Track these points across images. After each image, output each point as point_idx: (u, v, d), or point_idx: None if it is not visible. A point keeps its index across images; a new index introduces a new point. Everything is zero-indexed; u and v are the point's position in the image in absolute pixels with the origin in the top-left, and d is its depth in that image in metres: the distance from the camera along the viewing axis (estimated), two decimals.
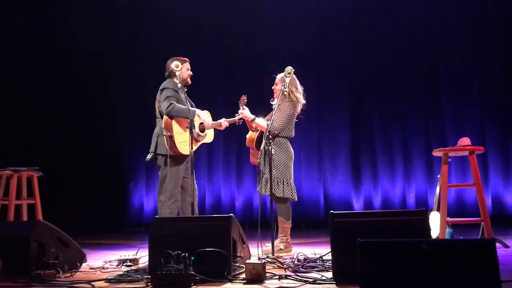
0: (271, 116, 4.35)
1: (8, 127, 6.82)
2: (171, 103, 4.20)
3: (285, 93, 4.19)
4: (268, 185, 4.13)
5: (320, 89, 7.48)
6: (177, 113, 4.19)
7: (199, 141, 4.41)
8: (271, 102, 4.56)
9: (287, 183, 4.29)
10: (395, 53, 7.45)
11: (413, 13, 7.47)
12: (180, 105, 4.23)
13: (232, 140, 7.66)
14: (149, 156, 4.34)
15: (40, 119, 7.10)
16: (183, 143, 4.20)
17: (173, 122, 4.22)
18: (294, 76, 4.34)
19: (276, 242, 4.17)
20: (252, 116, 4.41)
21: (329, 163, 7.49)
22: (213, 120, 4.63)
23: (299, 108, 4.46)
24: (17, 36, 7.01)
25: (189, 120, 4.14)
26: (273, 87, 4.55)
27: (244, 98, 4.45)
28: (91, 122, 7.48)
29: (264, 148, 4.06)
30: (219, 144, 7.68)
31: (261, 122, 4.42)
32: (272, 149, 4.05)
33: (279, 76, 4.49)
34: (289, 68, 4.19)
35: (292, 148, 4.46)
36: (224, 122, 4.62)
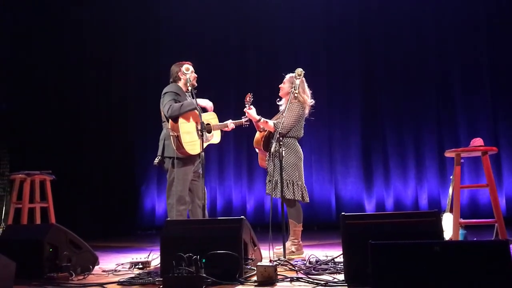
0: (278, 117, 4.33)
1: (22, 131, 6.89)
2: (170, 105, 4.21)
3: (295, 94, 4.18)
4: (279, 187, 4.12)
5: (332, 91, 7.48)
6: (176, 111, 4.16)
7: (205, 141, 4.39)
8: (277, 103, 4.54)
9: (297, 184, 4.23)
10: (407, 55, 7.42)
11: (425, 13, 7.43)
12: (176, 104, 4.19)
13: (243, 142, 7.67)
14: (156, 160, 4.34)
15: (53, 122, 7.17)
16: (190, 143, 4.19)
17: (179, 123, 4.20)
18: (303, 78, 4.32)
19: (288, 244, 4.16)
20: (258, 117, 4.34)
21: (340, 165, 7.46)
22: (219, 121, 4.63)
23: (307, 110, 4.43)
24: (29, 41, 7.09)
25: (199, 122, 4.14)
26: (280, 86, 4.50)
27: (250, 96, 4.36)
28: (103, 125, 7.54)
29: (274, 150, 4.02)
30: (229, 147, 7.71)
31: (268, 122, 4.36)
32: (283, 151, 4.04)
33: (288, 76, 4.46)
34: (299, 70, 4.17)
35: (301, 149, 4.41)
36: (230, 124, 4.57)
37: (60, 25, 7.33)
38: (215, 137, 4.51)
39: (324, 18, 7.70)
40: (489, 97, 7.11)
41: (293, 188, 4.20)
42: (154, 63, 7.71)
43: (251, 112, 4.35)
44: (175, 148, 4.19)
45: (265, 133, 4.44)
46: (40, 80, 7.13)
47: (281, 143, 4.01)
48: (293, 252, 4.20)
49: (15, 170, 5.74)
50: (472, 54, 7.23)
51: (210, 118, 4.49)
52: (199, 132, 4.08)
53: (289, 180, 4.21)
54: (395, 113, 7.40)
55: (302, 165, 4.37)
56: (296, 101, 4.31)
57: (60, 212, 5.67)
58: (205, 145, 4.29)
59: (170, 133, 4.20)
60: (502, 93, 7.06)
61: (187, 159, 4.25)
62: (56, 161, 6.69)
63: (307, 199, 4.30)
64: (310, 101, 4.40)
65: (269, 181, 4.32)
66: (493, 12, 7.21)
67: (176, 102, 4.25)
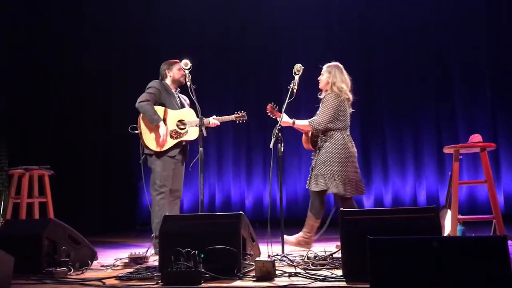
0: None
1: (20, 126, 6.88)
2: (145, 99, 4.32)
3: (295, 90, 4.14)
4: (318, 180, 4.07)
5: None
6: (143, 110, 4.30)
7: (176, 138, 4.37)
8: (319, 96, 4.38)
9: (342, 178, 4.04)
10: (406, 51, 7.42)
11: (424, 10, 7.43)
12: (149, 106, 4.29)
13: (242, 138, 7.68)
14: (141, 159, 4.45)
15: (52, 118, 7.16)
16: (152, 140, 4.30)
17: (140, 119, 4.34)
18: (340, 66, 4.26)
19: (299, 234, 4.16)
20: (291, 120, 4.22)
21: None
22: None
23: (350, 96, 4.27)
24: (29, 37, 7.07)
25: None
26: (318, 78, 4.36)
27: (271, 106, 4.21)
28: (101, 120, 7.53)
29: (272, 145, 3.99)
30: (228, 142, 7.71)
31: (302, 122, 4.24)
32: (282, 147, 4.02)
33: (325, 66, 4.34)
34: (298, 66, 4.16)
35: (350, 140, 4.22)
36: (212, 120, 4.43)
37: (59, 22, 7.30)
38: (190, 134, 4.40)
39: (324, 17, 7.69)
40: (488, 94, 7.13)
41: (336, 182, 4.05)
42: (154, 62, 7.65)
43: (284, 119, 4.20)
44: (143, 145, 4.31)
45: (308, 132, 4.35)
46: (40, 75, 7.10)
47: (279, 138, 3.98)
48: (301, 244, 4.18)
49: (14, 165, 5.73)
50: (472, 51, 7.24)
51: (187, 114, 4.43)
52: (201, 129, 4.11)
53: (329, 175, 4.06)
54: (394, 110, 7.40)
55: (351, 157, 4.16)
56: (330, 91, 4.18)
57: (59, 207, 5.66)
58: (175, 141, 4.31)
59: (137, 130, 4.33)
60: (501, 89, 7.08)
61: (162, 154, 4.32)
62: (55, 156, 6.69)
63: (348, 194, 4.11)
64: (348, 92, 4.26)
65: (311, 175, 4.22)
66: (494, 10, 7.20)
67: (154, 97, 4.35)
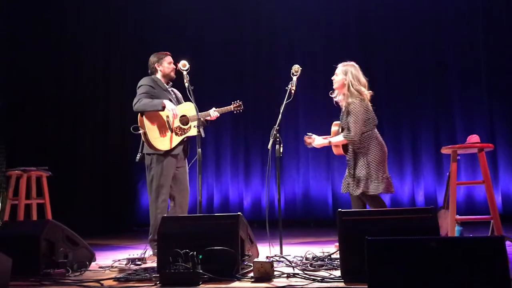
0: (341, 115, 4.17)
1: (18, 128, 6.87)
2: (138, 100, 4.19)
3: (293, 91, 4.14)
4: (359, 183, 4.01)
5: (329, 88, 7.45)
6: (142, 107, 4.16)
7: (181, 135, 4.29)
8: (330, 95, 4.35)
9: (379, 178, 3.98)
10: (404, 51, 7.42)
11: (423, 9, 7.44)
12: (145, 99, 4.18)
13: (240, 138, 7.67)
14: (138, 157, 4.31)
15: (50, 119, 7.15)
16: (159, 139, 4.16)
17: (144, 118, 4.17)
18: (356, 66, 4.20)
19: None
20: (327, 141, 4.16)
21: (337, 162, 7.45)
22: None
23: (369, 95, 4.21)
24: (26, 37, 7.07)
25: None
26: (332, 78, 4.32)
27: (307, 137, 4.16)
28: (100, 121, 7.52)
29: (271, 147, 3.98)
30: (226, 143, 7.71)
31: (337, 139, 4.14)
32: (280, 148, 4.01)
33: (339, 66, 4.29)
34: (296, 67, 4.15)
35: (380, 138, 4.14)
36: (213, 112, 4.38)
37: (59, 22, 7.30)
38: (194, 130, 4.32)
39: (324, 17, 7.69)
40: (486, 95, 7.13)
41: (376, 183, 3.99)
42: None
43: (318, 141, 4.16)
44: (146, 145, 4.18)
45: None
46: (37, 76, 7.10)
47: (277, 139, 3.98)
48: None
49: (12, 166, 5.72)
50: (471, 51, 7.25)
51: (187, 109, 4.35)
52: (198, 130, 4.06)
53: (371, 174, 4.00)
54: (392, 110, 7.39)
55: (385, 154, 4.10)
56: (352, 97, 4.11)
57: (57, 209, 5.65)
58: (180, 138, 4.25)
59: (140, 130, 4.17)
60: (500, 90, 7.09)
61: (163, 154, 4.21)
62: (53, 157, 6.67)
63: (385, 191, 4.04)
64: (366, 92, 4.19)
65: (348, 178, 4.17)
66: (493, 11, 7.21)
67: (148, 96, 4.21)
